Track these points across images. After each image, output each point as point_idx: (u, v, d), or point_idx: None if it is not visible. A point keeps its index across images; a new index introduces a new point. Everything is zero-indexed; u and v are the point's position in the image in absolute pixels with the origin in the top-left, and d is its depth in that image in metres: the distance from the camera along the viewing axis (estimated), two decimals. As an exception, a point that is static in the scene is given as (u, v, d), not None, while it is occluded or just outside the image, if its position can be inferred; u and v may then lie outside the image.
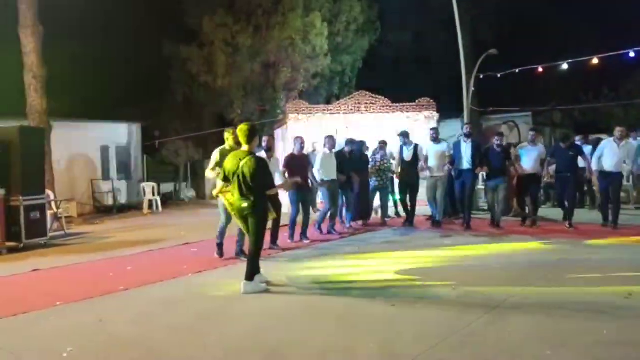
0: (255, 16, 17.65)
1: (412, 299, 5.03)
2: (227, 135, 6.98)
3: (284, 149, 12.32)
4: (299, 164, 8.43)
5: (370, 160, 10.41)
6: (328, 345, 3.88)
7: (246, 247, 6.38)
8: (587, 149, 10.42)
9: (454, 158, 9.41)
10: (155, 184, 15.84)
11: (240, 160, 5.36)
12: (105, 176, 16.19)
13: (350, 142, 9.86)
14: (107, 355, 3.84)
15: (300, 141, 8.61)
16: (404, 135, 10.05)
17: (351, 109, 13.08)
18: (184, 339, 4.11)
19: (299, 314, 4.72)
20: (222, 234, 7.11)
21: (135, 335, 4.23)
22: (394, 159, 10.61)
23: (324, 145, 9.29)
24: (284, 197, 8.87)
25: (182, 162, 19.68)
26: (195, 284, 5.94)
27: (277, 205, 6.64)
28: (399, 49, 22.99)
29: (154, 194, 15.46)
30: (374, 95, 13.28)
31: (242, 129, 5.54)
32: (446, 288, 5.34)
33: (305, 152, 9.31)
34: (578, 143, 10.65)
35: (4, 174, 8.77)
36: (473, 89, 15.07)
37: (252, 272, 5.44)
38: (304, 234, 8.58)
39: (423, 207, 10.38)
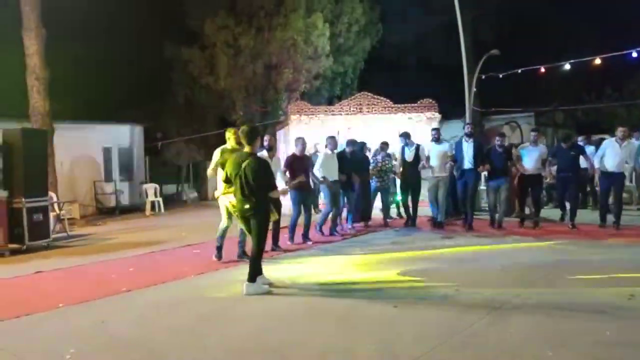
0: (257, 17, 17.67)
1: (414, 299, 5.03)
2: (229, 135, 6.98)
3: (285, 150, 12.32)
4: (300, 164, 8.42)
5: (372, 161, 10.42)
6: (329, 346, 3.88)
7: (248, 249, 6.39)
8: (590, 149, 10.41)
9: (456, 158, 9.41)
10: (157, 186, 15.86)
11: (243, 161, 5.38)
12: (108, 178, 16.21)
13: (351, 142, 9.87)
14: (109, 357, 3.85)
15: (301, 142, 8.60)
16: (406, 135, 10.06)
17: (353, 110, 13.08)
18: (186, 340, 4.12)
19: (301, 315, 4.72)
20: (222, 237, 7.05)
21: (137, 337, 4.24)
22: (395, 159, 10.61)
23: (326, 146, 9.30)
24: (285, 198, 8.87)
25: (184, 163, 19.71)
26: (197, 286, 5.95)
27: (278, 206, 6.64)
28: (401, 50, 23.01)
29: (156, 196, 15.48)
30: (375, 96, 13.28)
31: (244, 130, 5.56)
32: (448, 289, 5.33)
33: (307, 153, 9.32)
34: (580, 143, 10.63)
35: (7, 176, 8.81)
36: (475, 89, 15.07)
37: (254, 273, 5.44)
38: (305, 235, 8.58)
39: (425, 208, 10.37)
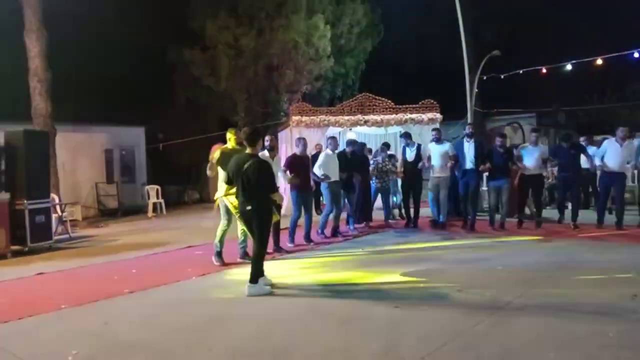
0: (258, 19, 17.69)
1: (416, 300, 5.03)
2: (230, 135, 6.98)
3: (286, 151, 12.32)
4: (301, 164, 8.42)
5: (372, 162, 10.43)
6: (332, 347, 3.88)
7: (249, 249, 6.38)
8: (592, 150, 10.38)
9: (458, 158, 9.39)
10: (159, 187, 15.87)
11: (244, 162, 5.39)
12: (110, 179, 16.23)
13: (351, 142, 9.89)
14: (112, 358, 3.85)
15: (302, 142, 8.59)
16: (406, 136, 10.07)
17: (354, 111, 13.08)
18: (189, 341, 4.11)
19: (303, 316, 4.72)
20: (221, 242, 7.01)
21: (140, 338, 4.24)
22: (397, 160, 10.62)
23: (327, 147, 9.30)
24: (285, 199, 8.86)
25: (185, 164, 19.71)
26: (199, 287, 5.95)
27: (278, 207, 6.64)
28: (402, 51, 23.00)
29: (158, 197, 15.49)
30: (377, 97, 13.28)
31: (245, 132, 5.58)
32: (450, 290, 5.32)
33: (308, 153, 9.32)
34: (582, 144, 10.60)
35: (9, 178, 8.82)
36: (476, 90, 15.07)
37: (256, 274, 5.44)
38: (307, 236, 8.58)
39: (427, 209, 10.36)
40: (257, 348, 3.93)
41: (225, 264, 6.94)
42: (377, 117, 13.03)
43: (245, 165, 5.35)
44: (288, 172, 8.18)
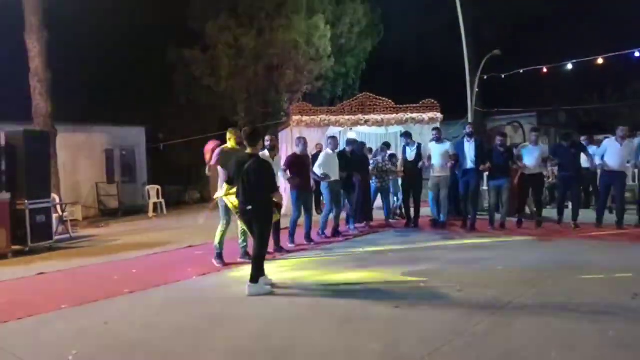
0: (259, 19, 17.69)
1: (417, 300, 5.02)
2: (230, 135, 6.99)
3: (287, 151, 12.33)
4: (301, 164, 8.41)
5: (371, 161, 10.43)
6: (332, 347, 3.88)
7: (250, 249, 6.38)
8: (592, 149, 10.37)
9: (458, 158, 9.38)
10: (159, 187, 15.87)
11: (245, 162, 5.39)
12: (110, 179, 16.24)
13: (351, 142, 9.89)
14: (112, 358, 3.85)
15: (302, 141, 8.58)
16: (407, 135, 10.06)
17: (355, 111, 13.08)
18: (189, 341, 4.11)
19: (303, 316, 4.72)
20: (221, 243, 6.99)
21: (141, 338, 4.24)
22: (397, 160, 10.62)
23: (327, 146, 9.30)
24: (285, 198, 8.85)
25: (186, 164, 19.70)
26: (200, 286, 5.95)
27: (278, 206, 6.64)
28: (403, 51, 22.99)
29: (158, 197, 15.49)
30: (377, 96, 13.28)
31: (246, 132, 5.59)
32: (450, 289, 5.32)
33: (309, 153, 9.32)
34: (583, 143, 10.58)
35: (10, 178, 8.83)
36: (477, 89, 15.06)
37: (257, 274, 5.44)
38: (307, 236, 8.57)
39: (427, 208, 10.35)
40: (258, 347, 3.93)
41: (225, 264, 6.94)
42: (378, 117, 13.03)
43: (246, 165, 5.35)
44: (288, 171, 8.18)
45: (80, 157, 15.29)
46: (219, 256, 7.00)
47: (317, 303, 5.13)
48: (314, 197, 9.70)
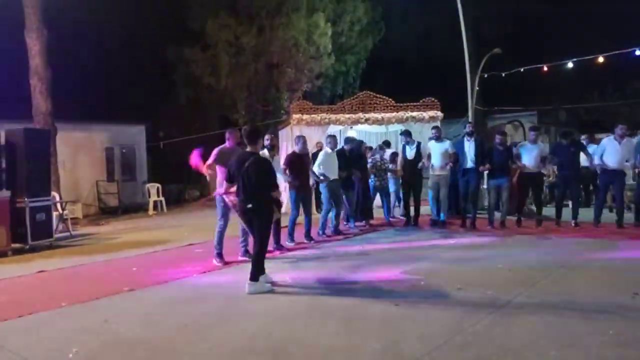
0: (259, 17, 17.68)
1: (416, 299, 5.02)
2: (229, 136, 7.02)
3: (287, 149, 12.33)
4: (300, 162, 8.40)
5: (370, 160, 10.43)
6: (332, 345, 3.88)
7: (250, 247, 6.39)
8: (592, 148, 10.36)
9: (458, 157, 9.37)
10: (159, 185, 15.88)
11: (246, 160, 5.39)
12: (110, 177, 16.24)
13: (349, 140, 9.89)
14: (113, 356, 3.85)
15: (302, 139, 8.57)
16: (407, 134, 10.06)
17: (355, 109, 13.08)
18: (189, 339, 4.12)
19: (303, 314, 4.72)
20: (221, 241, 6.99)
21: (141, 336, 4.24)
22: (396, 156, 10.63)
23: (326, 145, 9.30)
24: (285, 197, 8.86)
25: (186, 162, 19.70)
26: (199, 285, 5.95)
27: (278, 205, 6.64)
28: (403, 49, 22.97)
29: (158, 195, 15.51)
30: (377, 95, 13.27)
31: (246, 130, 5.59)
32: (450, 288, 5.32)
33: (309, 151, 9.31)
34: (583, 142, 10.58)
35: (10, 176, 8.83)
36: (477, 88, 15.05)
37: (257, 272, 5.45)
38: (307, 235, 8.57)
39: (427, 207, 10.35)
40: (258, 346, 3.93)
41: (226, 263, 6.94)
42: (378, 115, 13.03)
43: (247, 163, 5.36)
44: (287, 171, 8.18)
45: (80, 155, 15.30)
46: (219, 255, 7.01)
47: (317, 301, 5.14)
48: (314, 195, 9.69)
